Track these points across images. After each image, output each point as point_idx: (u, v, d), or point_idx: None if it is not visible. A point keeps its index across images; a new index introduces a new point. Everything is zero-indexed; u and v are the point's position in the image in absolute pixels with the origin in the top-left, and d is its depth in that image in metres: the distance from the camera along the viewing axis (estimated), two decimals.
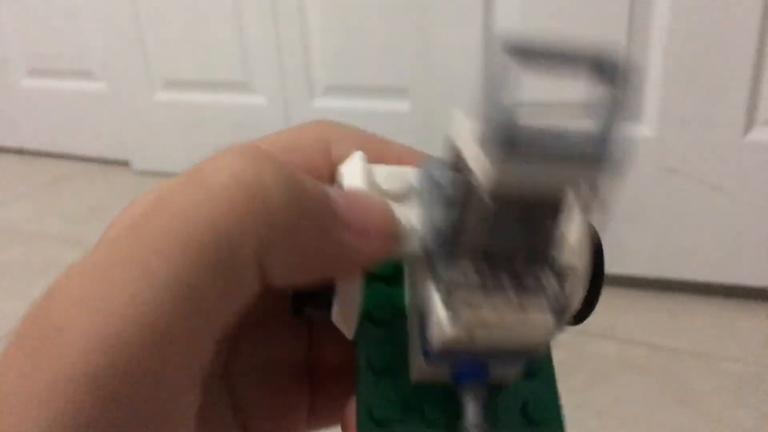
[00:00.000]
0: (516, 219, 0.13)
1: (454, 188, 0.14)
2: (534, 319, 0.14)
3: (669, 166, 0.71)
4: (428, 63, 0.80)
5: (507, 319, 0.14)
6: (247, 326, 0.19)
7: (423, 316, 0.15)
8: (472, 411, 0.15)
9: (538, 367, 0.17)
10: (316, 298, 0.16)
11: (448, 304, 0.14)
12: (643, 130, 0.71)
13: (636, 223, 0.75)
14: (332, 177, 0.17)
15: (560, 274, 0.14)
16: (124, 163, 1.24)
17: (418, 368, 0.16)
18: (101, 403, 0.11)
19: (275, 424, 0.20)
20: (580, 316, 0.17)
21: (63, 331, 0.12)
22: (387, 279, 0.17)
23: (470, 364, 0.15)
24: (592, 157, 0.12)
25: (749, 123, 0.67)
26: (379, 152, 0.18)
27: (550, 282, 0.14)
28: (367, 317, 0.17)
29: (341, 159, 0.17)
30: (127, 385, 0.12)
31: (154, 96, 1.12)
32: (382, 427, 0.16)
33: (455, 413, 0.16)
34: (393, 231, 0.15)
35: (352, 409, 0.18)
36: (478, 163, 0.12)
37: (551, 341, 0.15)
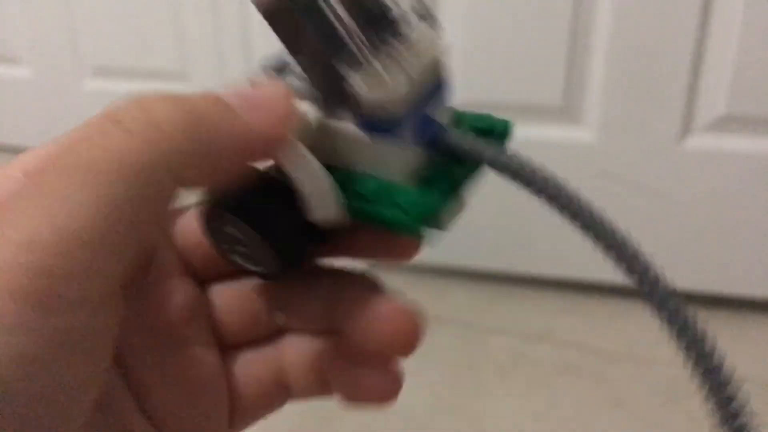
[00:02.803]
0: None
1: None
2: (420, 37, 0.17)
3: (608, 172, 0.72)
4: None
5: (403, 50, 0.16)
6: (135, 299, 0.19)
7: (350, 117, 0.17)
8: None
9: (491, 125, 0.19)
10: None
11: (359, 71, 0.16)
12: (582, 135, 0.72)
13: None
14: None
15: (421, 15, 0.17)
16: None
17: (398, 159, 0.17)
18: (21, 307, 0.13)
19: (190, 422, 0.19)
20: None
21: None
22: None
23: (416, 115, 0.17)
24: None
25: (685, 130, 0.68)
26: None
27: (415, 21, 0.17)
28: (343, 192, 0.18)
29: None
30: (51, 286, 0.13)
31: (83, 83, 1.06)
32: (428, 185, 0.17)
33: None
34: (286, 101, 0.17)
35: None
36: None
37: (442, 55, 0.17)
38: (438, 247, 0.87)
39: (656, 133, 0.69)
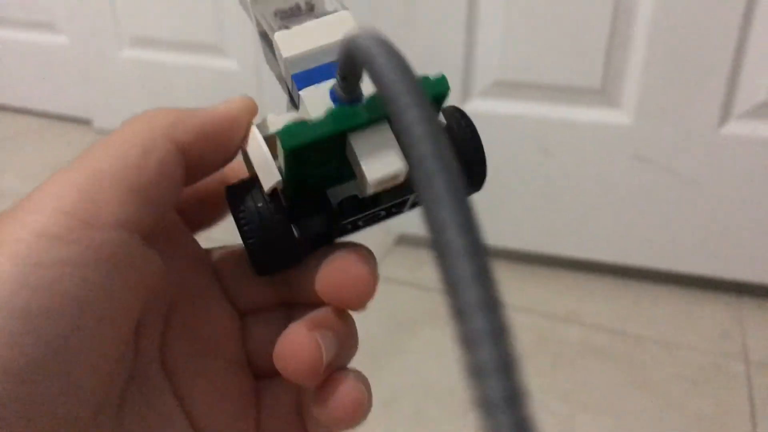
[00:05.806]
0: None
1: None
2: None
3: (642, 155, 0.71)
4: (411, 40, 0.78)
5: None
6: (178, 309, 0.20)
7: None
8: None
9: None
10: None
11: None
12: (619, 117, 0.71)
13: (605, 209, 0.75)
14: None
15: None
16: (85, 122, 1.19)
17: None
18: (70, 221, 0.16)
19: (223, 420, 0.21)
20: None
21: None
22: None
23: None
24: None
25: (725, 116, 0.67)
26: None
27: None
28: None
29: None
30: (92, 209, 0.16)
31: (120, 53, 1.08)
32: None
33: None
34: (244, 101, 0.21)
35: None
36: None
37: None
38: None
39: (695, 118, 0.68)
